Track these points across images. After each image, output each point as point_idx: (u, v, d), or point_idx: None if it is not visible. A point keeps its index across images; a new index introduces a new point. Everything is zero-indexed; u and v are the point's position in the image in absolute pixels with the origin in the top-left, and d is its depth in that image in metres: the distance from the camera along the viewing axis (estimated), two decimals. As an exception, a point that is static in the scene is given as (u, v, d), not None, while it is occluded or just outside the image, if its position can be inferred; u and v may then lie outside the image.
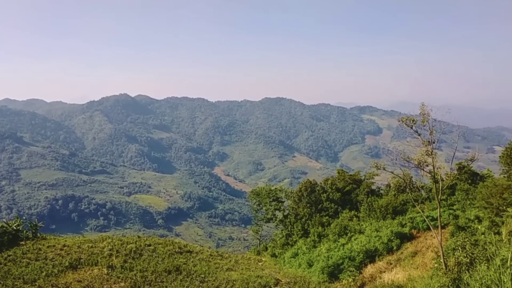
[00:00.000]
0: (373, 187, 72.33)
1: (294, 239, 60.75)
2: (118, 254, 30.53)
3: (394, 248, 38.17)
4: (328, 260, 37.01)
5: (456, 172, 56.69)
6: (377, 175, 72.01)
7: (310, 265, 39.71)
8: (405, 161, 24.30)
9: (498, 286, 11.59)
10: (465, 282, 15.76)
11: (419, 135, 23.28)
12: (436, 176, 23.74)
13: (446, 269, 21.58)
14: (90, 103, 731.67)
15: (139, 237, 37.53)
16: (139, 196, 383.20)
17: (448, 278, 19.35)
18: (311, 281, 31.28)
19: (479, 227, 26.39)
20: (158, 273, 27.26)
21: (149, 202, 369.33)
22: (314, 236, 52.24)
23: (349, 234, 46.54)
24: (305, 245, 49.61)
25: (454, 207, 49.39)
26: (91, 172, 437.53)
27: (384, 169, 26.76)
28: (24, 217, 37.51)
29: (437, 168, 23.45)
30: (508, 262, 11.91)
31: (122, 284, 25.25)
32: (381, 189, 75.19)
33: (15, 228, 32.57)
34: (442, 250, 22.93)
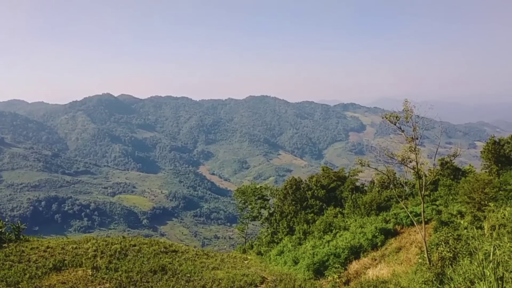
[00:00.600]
0: (357, 183, 72.85)
1: (280, 237, 60.87)
2: (102, 255, 30.24)
3: (379, 244, 38.45)
4: (314, 257, 37.13)
5: (438, 167, 57.41)
6: (361, 171, 72.52)
7: (296, 263, 39.82)
8: (389, 158, 24.48)
9: (481, 280, 11.73)
10: (449, 276, 15.94)
11: (403, 131, 23.45)
12: (419, 172, 23.97)
13: (430, 264, 21.81)
14: (73, 103, 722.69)
15: (124, 237, 37.19)
16: (123, 196, 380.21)
17: (432, 273, 19.55)
18: (297, 278, 31.35)
19: (462, 222, 26.73)
20: (144, 273, 27.09)
21: (134, 202, 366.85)
22: (299, 233, 52.42)
23: (334, 231, 46.77)
24: (290, 242, 49.74)
25: (437, 203, 49.93)
26: (75, 172, 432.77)
27: (368, 165, 26.93)
28: (6, 219, 36.82)
29: (420, 164, 23.67)
30: (491, 256, 12.07)
31: (107, 285, 25.03)
32: (365, 186, 75.77)
33: (-3, 230, 32.04)
34: (426, 245, 23.17)
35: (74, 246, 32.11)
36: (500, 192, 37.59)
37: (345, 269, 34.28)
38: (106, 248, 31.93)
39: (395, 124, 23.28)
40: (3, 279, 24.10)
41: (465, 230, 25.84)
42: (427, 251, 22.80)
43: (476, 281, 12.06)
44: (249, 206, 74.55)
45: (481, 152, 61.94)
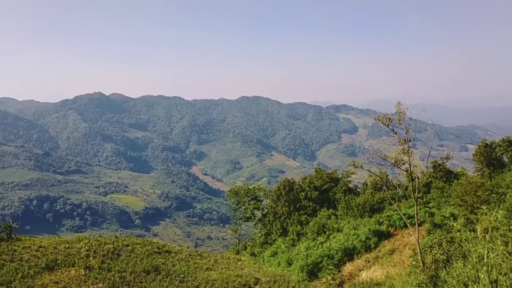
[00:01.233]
0: (350, 185, 73.08)
1: (273, 238, 60.92)
2: (95, 254, 30.11)
3: (372, 246, 38.56)
4: (307, 258, 37.19)
5: (431, 170, 57.71)
6: (354, 173, 72.78)
7: (290, 264, 39.86)
8: (382, 159, 24.57)
9: (475, 283, 11.81)
10: (443, 279, 16.01)
11: (396, 133, 23.53)
12: (412, 174, 24.07)
13: (423, 266, 21.90)
14: (64, 101, 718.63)
15: (116, 237, 37.07)
16: (115, 196, 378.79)
17: (425, 275, 19.63)
18: (290, 279, 31.41)
19: (455, 224, 26.81)
20: (137, 274, 27.00)
21: (126, 202, 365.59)
22: (293, 234, 52.49)
23: (327, 233, 46.85)
24: (284, 243, 49.79)
25: (430, 205, 50.17)
26: (66, 171, 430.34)
27: (361, 167, 27.00)
28: (-3, 219, 36.62)
29: (413, 166, 23.78)
30: (485, 259, 12.16)
31: (100, 285, 24.92)
32: (358, 188, 76.02)
33: (-12, 229, 31.84)
34: (419, 248, 23.27)
35: (67, 245, 31.95)
36: (493, 195, 37.88)
37: (339, 271, 34.36)
38: (99, 248, 31.80)
39: (387, 126, 23.33)
40: (-5, 279, 23.94)
41: (458, 233, 26.01)
42: (420, 253, 22.89)
43: (470, 284, 12.12)
44: (243, 207, 74.54)
45: (473, 155, 62.44)
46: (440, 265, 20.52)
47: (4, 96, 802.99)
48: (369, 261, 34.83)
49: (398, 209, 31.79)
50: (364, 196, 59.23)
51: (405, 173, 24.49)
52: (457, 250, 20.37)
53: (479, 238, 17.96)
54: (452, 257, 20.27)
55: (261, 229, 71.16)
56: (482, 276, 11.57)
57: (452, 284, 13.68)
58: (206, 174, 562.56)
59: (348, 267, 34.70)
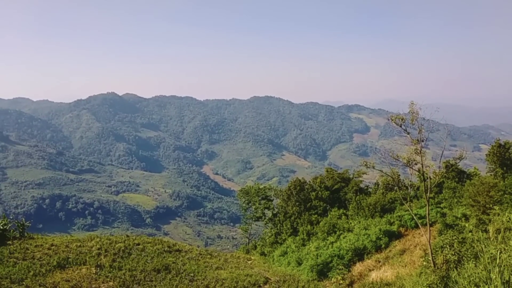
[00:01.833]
0: (362, 185, 72.71)
1: (283, 238, 60.79)
2: (106, 253, 30.33)
3: (383, 246, 38.35)
4: (317, 258, 37.06)
5: (444, 170, 57.19)
6: (365, 173, 72.41)
7: (299, 264, 39.76)
8: (394, 159, 24.40)
9: (487, 284, 11.67)
10: (454, 279, 15.85)
11: (408, 133, 23.36)
12: (424, 174, 23.88)
13: (434, 267, 21.72)
14: (77, 101, 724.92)
15: (127, 236, 37.31)
16: (127, 195, 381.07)
17: (436, 276, 19.47)
18: (300, 279, 31.34)
19: (467, 225, 26.59)
20: (147, 272, 27.13)
21: (137, 201, 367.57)
22: (303, 234, 52.34)
23: (338, 232, 46.67)
24: (294, 243, 49.66)
25: (442, 205, 49.77)
26: (79, 171, 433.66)
27: (373, 167, 26.87)
28: (11, 217, 37.12)
29: (425, 167, 23.59)
30: (497, 260, 12.01)
31: (111, 283, 25.08)
32: (370, 187, 75.58)
33: (1, 227, 32.13)
34: (430, 248, 23.08)
35: (78, 244, 32.21)
36: (505, 195, 37.47)
37: (349, 271, 34.21)
38: (110, 246, 32.02)
39: (400, 126, 23.18)
40: (8, 276, 24.19)
41: (470, 233, 25.72)
42: (431, 253, 22.71)
43: (482, 285, 11.98)
44: (253, 207, 74.49)
45: (486, 155, 61.65)
46: (451, 266, 20.33)
47: (19, 96, 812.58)
48: (379, 261, 34.63)
49: (409, 209, 31.60)
50: (375, 196, 58.91)
51: (417, 173, 24.31)
52: (469, 251, 20.15)
53: (491, 239, 17.75)
54: (464, 257, 20.07)
55: (271, 228, 71.07)
56: (494, 277, 11.43)
57: (463, 285, 13.53)
58: (217, 174, 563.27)
59: (358, 267, 34.53)
